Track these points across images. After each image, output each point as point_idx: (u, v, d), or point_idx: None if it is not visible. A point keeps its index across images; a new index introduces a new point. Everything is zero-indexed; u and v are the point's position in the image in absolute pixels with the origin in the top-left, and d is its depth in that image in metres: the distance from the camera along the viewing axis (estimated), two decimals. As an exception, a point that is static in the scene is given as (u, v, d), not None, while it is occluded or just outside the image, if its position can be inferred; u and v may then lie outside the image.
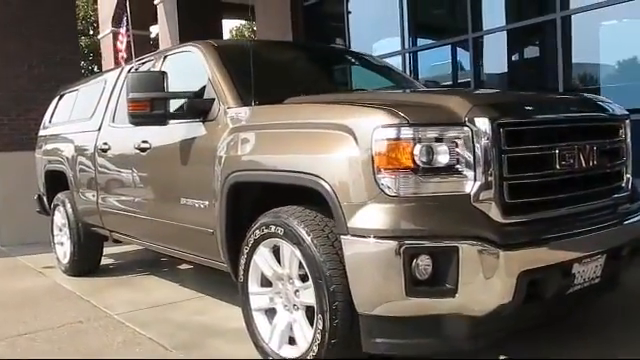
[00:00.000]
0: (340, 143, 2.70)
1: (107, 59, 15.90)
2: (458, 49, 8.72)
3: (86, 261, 5.81)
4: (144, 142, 4.23)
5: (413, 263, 2.48)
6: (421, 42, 9.28)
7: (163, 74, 3.64)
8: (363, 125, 2.63)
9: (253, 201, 3.41)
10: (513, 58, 8.58)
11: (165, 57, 4.44)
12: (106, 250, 6.14)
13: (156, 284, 5.39)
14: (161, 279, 5.56)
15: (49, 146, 6.23)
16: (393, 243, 2.47)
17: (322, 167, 2.75)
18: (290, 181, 2.96)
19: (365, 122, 2.63)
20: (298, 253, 2.88)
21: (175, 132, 3.90)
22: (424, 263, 2.50)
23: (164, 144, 4.05)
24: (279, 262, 3.09)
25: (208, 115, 3.66)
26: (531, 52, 8.67)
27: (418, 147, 2.53)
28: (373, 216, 2.55)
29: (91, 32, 27.23)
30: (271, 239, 3.07)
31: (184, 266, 6.06)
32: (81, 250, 5.68)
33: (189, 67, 4.11)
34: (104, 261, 6.19)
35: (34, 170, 7.51)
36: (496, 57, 8.42)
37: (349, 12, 10.18)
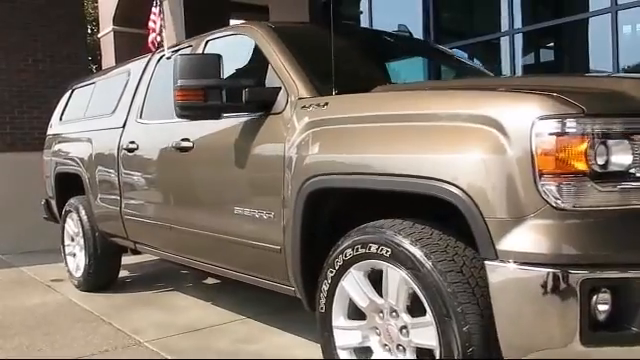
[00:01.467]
0: (479, 139, 2.04)
1: (107, 59, 15.18)
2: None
3: (103, 275, 5.11)
4: (185, 140, 3.55)
5: (593, 300, 1.83)
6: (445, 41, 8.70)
7: (219, 57, 2.97)
8: (516, 116, 1.97)
9: (330, 213, 2.75)
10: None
11: (207, 42, 3.76)
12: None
13: (184, 302, 4.70)
14: (188, 296, 4.87)
15: (60, 146, 5.52)
16: (570, 273, 1.82)
17: (455, 170, 2.08)
18: (399, 187, 2.30)
19: (519, 112, 1.97)
20: (411, 281, 2.22)
21: (227, 128, 3.24)
22: (604, 300, 1.85)
23: (212, 143, 3.38)
24: (377, 290, 2.42)
25: (272, 108, 2.99)
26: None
27: (597, 145, 1.88)
28: (537, 236, 1.89)
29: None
30: (369, 261, 2.40)
31: (210, 280, 5.38)
32: (97, 263, 4.98)
33: (239, 53, 3.44)
34: (119, 274, 5.49)
35: (39, 172, 6.85)
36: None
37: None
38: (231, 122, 3.20)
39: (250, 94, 2.97)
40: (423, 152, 2.22)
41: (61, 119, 5.77)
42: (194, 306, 4.59)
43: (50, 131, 5.89)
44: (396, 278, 2.29)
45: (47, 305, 4.81)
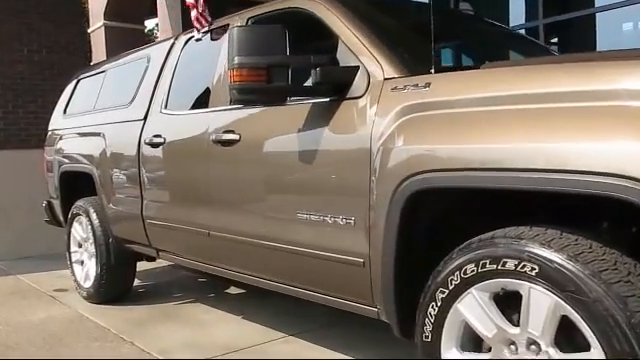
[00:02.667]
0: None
1: (98, 54, 14.51)
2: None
3: (116, 286, 4.53)
4: (228, 132, 3.00)
5: None
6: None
7: (284, 29, 2.42)
8: None
9: (432, 218, 2.23)
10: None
11: (248, 21, 3.21)
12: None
13: (211, 316, 4.14)
14: (214, 309, 4.31)
15: (66, 142, 4.93)
16: None
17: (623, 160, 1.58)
18: (549, 186, 1.77)
19: None
20: (570, 307, 1.70)
21: (286, 116, 2.70)
22: None
23: (267, 134, 2.83)
24: (507, 316, 1.90)
25: (347, 91, 2.45)
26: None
27: None
28: None
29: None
30: (500, 280, 1.88)
31: (233, 290, 4.83)
32: (111, 272, 4.40)
33: (292, 31, 2.89)
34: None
35: (36, 171, 6.25)
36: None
37: None
38: (291, 109, 2.67)
39: (322, 74, 2.42)
40: (575, 140, 1.70)
41: (65, 112, 5.17)
42: (223, 321, 4.03)
43: (52, 126, 5.29)
44: (544, 303, 1.77)
45: (54, 320, 4.22)
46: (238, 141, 2.94)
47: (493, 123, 1.95)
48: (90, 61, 13.34)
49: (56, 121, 5.25)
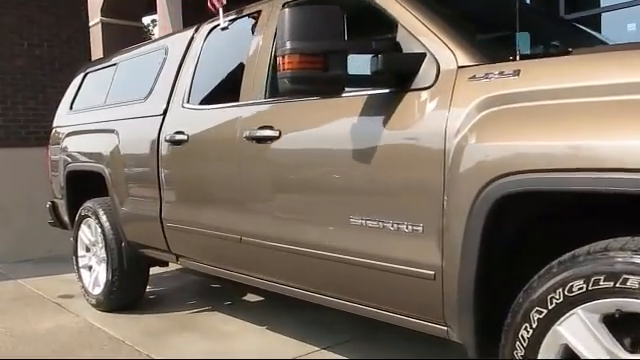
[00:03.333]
0: None
1: (95, 51, 14.14)
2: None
3: (128, 293, 4.21)
4: (265, 128, 2.70)
5: None
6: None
7: (342, 11, 2.12)
8: None
9: (518, 225, 1.94)
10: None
11: (285, 5, 2.90)
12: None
13: (232, 326, 3.83)
14: (233, 318, 4.01)
15: (73, 140, 4.59)
16: None
17: None
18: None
19: None
20: None
21: (338, 110, 2.40)
22: None
23: (314, 130, 2.53)
24: (617, 338, 1.62)
25: (412, 81, 2.16)
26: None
27: None
28: None
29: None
30: (616, 299, 1.59)
31: (251, 297, 4.52)
32: (123, 278, 4.08)
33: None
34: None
35: (36, 170, 5.93)
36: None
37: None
38: (340, 102, 2.37)
39: (385, 62, 2.13)
40: None
41: (71, 108, 4.84)
42: (246, 331, 3.73)
43: (57, 123, 4.96)
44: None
45: (63, 330, 3.90)
46: (277, 137, 2.64)
47: (603, 116, 1.66)
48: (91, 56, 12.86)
49: (61, 117, 4.92)
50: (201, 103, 3.34)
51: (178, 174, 3.38)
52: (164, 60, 3.77)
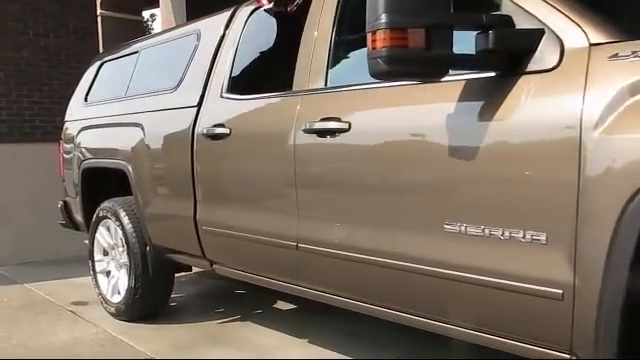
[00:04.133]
0: None
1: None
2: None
3: (152, 301, 3.85)
4: (329, 120, 2.33)
5: None
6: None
7: (445, -22, 1.76)
8: None
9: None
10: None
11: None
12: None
13: (269, 339, 3.47)
14: (267, 329, 3.65)
15: (89, 134, 4.21)
16: None
17: None
18: None
19: None
20: None
21: (429, 97, 2.04)
22: None
23: (395, 122, 2.16)
24: None
25: (527, 62, 1.80)
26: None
27: None
28: None
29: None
30: None
31: (282, 305, 4.16)
32: (147, 285, 3.71)
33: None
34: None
35: (41, 167, 5.59)
36: None
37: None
38: (430, 88, 2.01)
39: (498, 39, 1.77)
40: None
41: (86, 100, 4.45)
42: (286, 345, 3.37)
43: (70, 116, 4.57)
44: None
45: (82, 343, 3.53)
46: (346, 130, 2.27)
47: None
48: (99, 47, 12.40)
49: (75, 111, 4.52)
50: (243, 92, 2.96)
51: (217, 171, 3.01)
52: (195, 47, 3.39)
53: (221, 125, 2.93)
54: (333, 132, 2.32)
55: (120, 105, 3.91)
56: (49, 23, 6.25)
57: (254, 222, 2.75)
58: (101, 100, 4.23)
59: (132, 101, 3.80)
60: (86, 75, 4.58)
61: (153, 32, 19.67)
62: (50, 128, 6.27)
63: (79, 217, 4.39)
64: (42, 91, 6.22)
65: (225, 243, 2.99)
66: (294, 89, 2.62)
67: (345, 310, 2.48)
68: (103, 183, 4.12)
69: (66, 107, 5.93)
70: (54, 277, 5.25)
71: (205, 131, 3.03)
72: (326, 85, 2.48)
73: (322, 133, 2.37)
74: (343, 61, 2.54)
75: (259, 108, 2.80)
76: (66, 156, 4.48)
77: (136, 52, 4.01)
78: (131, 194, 3.83)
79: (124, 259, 3.83)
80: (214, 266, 3.21)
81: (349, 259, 2.28)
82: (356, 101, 2.31)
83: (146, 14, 17.94)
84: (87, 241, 4.59)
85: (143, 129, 3.54)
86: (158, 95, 3.55)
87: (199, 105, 3.16)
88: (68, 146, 4.46)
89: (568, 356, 1.76)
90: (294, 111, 2.53)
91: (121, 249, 3.89)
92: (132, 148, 3.62)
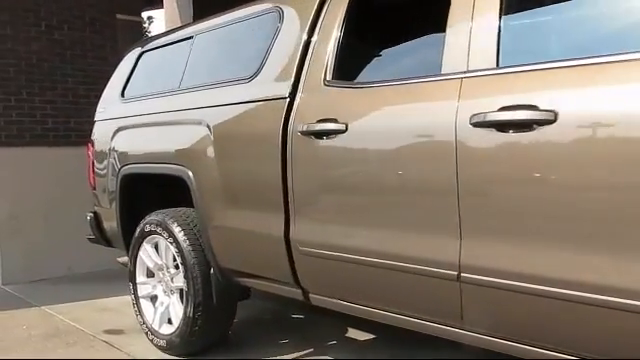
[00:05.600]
0: None
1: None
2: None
3: (213, 333, 3.19)
4: (516, 109, 1.71)
5: None
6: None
7: None
8: None
9: None
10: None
11: None
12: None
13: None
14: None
15: (129, 135, 3.54)
16: None
17: None
18: None
19: None
20: None
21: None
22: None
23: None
24: None
25: None
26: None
27: None
28: None
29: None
30: None
31: (357, 334, 3.51)
32: (209, 314, 3.05)
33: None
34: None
35: (54, 173, 4.96)
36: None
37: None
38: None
39: None
40: None
41: (123, 96, 3.76)
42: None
43: (103, 115, 3.88)
44: None
45: (134, 387, 2.85)
46: (551, 122, 1.64)
47: None
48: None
49: (109, 108, 3.84)
50: (361, 77, 2.33)
51: (326, 177, 2.35)
52: (277, 29, 2.74)
53: (331, 120, 2.28)
54: (525, 125, 1.69)
55: (172, 100, 3.25)
56: (63, 14, 5.55)
57: (386, 243, 2.11)
58: (144, 95, 3.56)
59: (190, 95, 3.13)
60: (121, 67, 3.91)
61: (151, 35, 18.93)
62: (63, 130, 5.58)
63: (115, 232, 3.70)
64: (55, 89, 5.52)
65: (336, 269, 2.33)
66: (442, 72, 1.99)
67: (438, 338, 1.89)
68: (148, 192, 3.46)
69: (83, 106, 5.28)
70: (73, 298, 4.56)
71: (305, 128, 2.38)
72: (498, 66, 1.85)
73: (504, 127, 1.75)
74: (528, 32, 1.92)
75: (392, 96, 2.15)
76: (98, 161, 3.79)
77: (190, 38, 3.34)
78: (183, 205, 3.19)
79: (178, 283, 3.16)
80: (309, 296, 2.54)
81: (552, 296, 1.64)
82: (565, 82, 1.67)
83: (146, 14, 17.19)
84: (120, 259, 3.93)
85: (209, 128, 2.88)
86: (228, 86, 2.89)
87: (291, 96, 2.51)
88: (100, 149, 3.77)
89: None
90: (454, 99, 1.89)
91: (173, 271, 3.23)
92: (193, 150, 2.96)
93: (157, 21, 18.90)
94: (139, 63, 3.76)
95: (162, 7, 9.53)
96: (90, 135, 3.94)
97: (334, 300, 2.43)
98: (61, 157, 5.44)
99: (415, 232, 2.02)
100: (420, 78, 2.07)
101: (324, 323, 3.64)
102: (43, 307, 4.38)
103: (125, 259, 3.70)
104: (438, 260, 1.93)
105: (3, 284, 5.13)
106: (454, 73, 1.94)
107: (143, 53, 3.77)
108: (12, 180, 5.19)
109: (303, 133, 2.39)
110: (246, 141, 2.71)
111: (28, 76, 5.37)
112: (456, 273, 1.89)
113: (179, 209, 3.21)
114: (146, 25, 18.10)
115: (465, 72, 1.91)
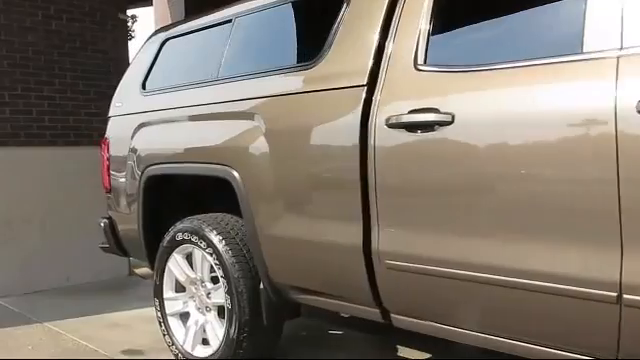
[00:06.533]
0: None
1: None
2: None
3: (259, 356, 2.76)
4: None
5: None
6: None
7: None
8: None
9: None
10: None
11: None
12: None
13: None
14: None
15: (155, 131, 3.12)
16: None
17: None
18: None
19: None
20: None
21: None
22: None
23: None
24: None
25: None
26: None
27: None
28: None
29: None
30: None
31: (407, 352, 3.13)
32: (257, 335, 2.65)
33: None
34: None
35: (52, 175, 4.56)
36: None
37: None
38: None
39: None
40: None
41: (144, 88, 3.34)
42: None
43: (120, 110, 3.45)
44: None
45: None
46: None
47: None
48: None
49: (127, 102, 3.41)
50: (465, 60, 1.96)
51: (424, 178, 1.97)
52: (344, 6, 2.36)
53: (432, 110, 1.91)
54: None
55: (211, 91, 2.84)
56: (62, 3, 5.09)
57: (514, 256, 1.74)
58: (172, 86, 3.14)
59: (234, 84, 2.73)
60: (141, 56, 3.48)
61: (134, 34, 18.30)
62: (61, 128, 5.11)
63: (131, 239, 3.28)
64: (53, 84, 5.05)
65: (436, 287, 1.95)
66: (585, 50, 1.63)
67: None
68: (176, 196, 3.04)
69: (82, 103, 4.88)
70: (77, 312, 4.11)
71: (395, 120, 2.00)
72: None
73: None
74: None
75: (524, 78, 1.77)
76: (114, 161, 3.36)
77: (228, 21, 2.93)
78: (213, 210, 2.80)
79: (217, 299, 2.76)
80: (391, 317, 2.16)
81: None
82: None
83: (132, 12, 16.62)
84: (138, 270, 3.51)
85: (262, 121, 2.49)
86: (283, 74, 2.50)
87: (370, 83, 2.13)
88: (118, 148, 3.34)
89: None
90: (609, 80, 1.53)
91: (209, 285, 2.82)
92: (242, 148, 2.56)
93: (141, 20, 18.31)
94: (162, 51, 3.34)
95: (146, 5, 9.05)
96: (104, 133, 3.51)
97: (427, 322, 2.05)
98: (59, 157, 5.00)
99: (547, 245, 1.65)
100: (564, 56, 1.69)
101: (366, 340, 3.27)
102: (46, 323, 3.92)
103: (144, 270, 3.29)
104: (588, 278, 1.56)
105: (-3, 297, 4.65)
106: (607, 50, 1.58)
107: (167, 40, 3.35)
108: (6, 183, 4.71)
109: (391, 126, 2.01)
110: (309, 136, 2.32)
111: (23, 70, 4.90)
112: (615, 294, 1.52)
113: (215, 215, 2.82)
114: (130, 24, 17.55)
115: (624, 49, 1.56)
